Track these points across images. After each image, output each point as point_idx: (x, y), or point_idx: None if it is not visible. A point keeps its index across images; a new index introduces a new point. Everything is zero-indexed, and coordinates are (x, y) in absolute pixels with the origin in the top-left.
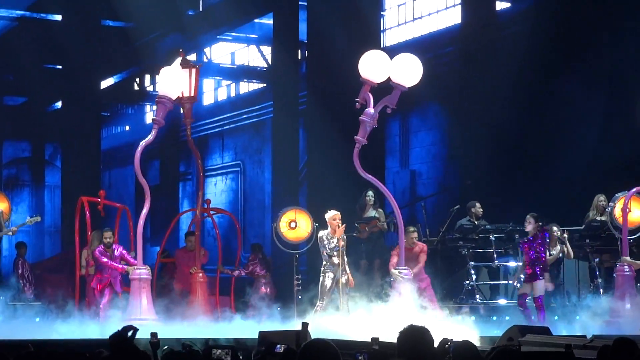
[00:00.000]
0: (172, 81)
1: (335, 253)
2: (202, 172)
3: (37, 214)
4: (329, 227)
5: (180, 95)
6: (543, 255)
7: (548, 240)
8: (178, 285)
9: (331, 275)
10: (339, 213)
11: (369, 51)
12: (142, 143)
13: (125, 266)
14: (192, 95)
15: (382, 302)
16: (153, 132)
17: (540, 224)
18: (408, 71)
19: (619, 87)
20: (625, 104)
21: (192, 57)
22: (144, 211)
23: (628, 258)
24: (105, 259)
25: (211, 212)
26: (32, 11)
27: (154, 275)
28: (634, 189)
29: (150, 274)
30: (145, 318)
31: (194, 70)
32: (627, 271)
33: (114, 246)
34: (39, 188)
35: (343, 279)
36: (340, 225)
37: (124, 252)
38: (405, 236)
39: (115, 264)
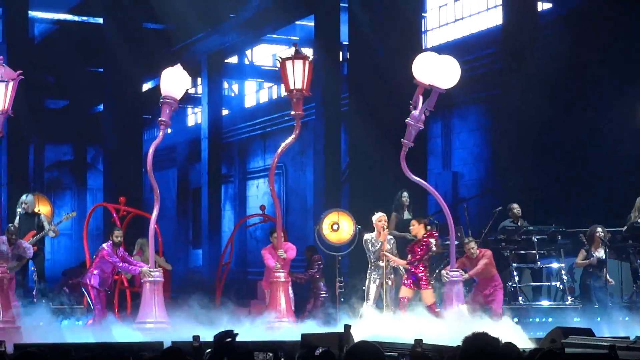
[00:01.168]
0: (175, 81)
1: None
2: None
3: (76, 213)
4: (375, 230)
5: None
6: (422, 261)
7: (434, 248)
8: (266, 286)
9: (376, 277)
10: (384, 215)
11: (422, 53)
12: (153, 144)
13: (137, 267)
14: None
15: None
16: (161, 133)
17: (428, 227)
18: (446, 73)
19: None
20: None
21: (234, 59)
22: (154, 215)
23: None
24: (115, 259)
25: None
26: (74, 14)
27: (222, 280)
28: None
29: (162, 277)
30: (160, 321)
31: None
32: None
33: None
34: (81, 191)
35: (388, 281)
36: (385, 227)
37: (126, 253)
38: (465, 248)
39: (127, 265)
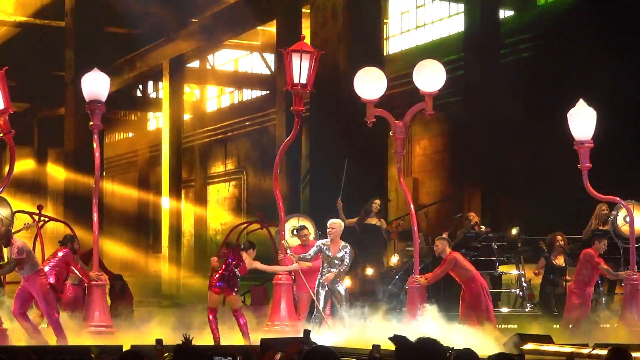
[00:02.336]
0: (97, 84)
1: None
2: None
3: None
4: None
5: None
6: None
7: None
8: (304, 289)
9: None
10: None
11: (361, 70)
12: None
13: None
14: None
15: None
16: (96, 137)
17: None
18: (432, 76)
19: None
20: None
21: (196, 64)
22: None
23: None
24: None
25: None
26: (36, 17)
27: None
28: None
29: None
30: (108, 325)
31: None
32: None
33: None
34: (43, 193)
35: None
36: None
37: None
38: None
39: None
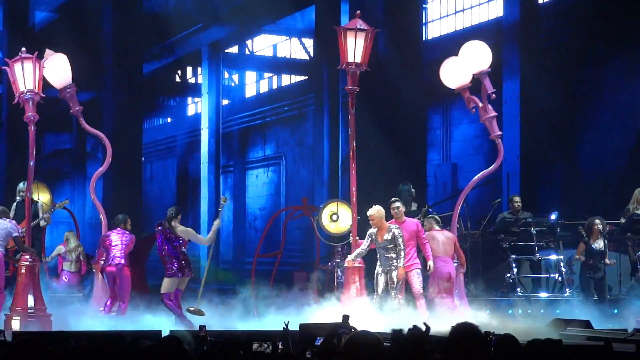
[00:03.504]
0: (58, 69)
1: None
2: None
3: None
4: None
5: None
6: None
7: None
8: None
9: (379, 269)
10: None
11: (446, 60)
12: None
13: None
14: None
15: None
16: (82, 121)
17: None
18: (479, 55)
19: None
20: None
21: (234, 49)
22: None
23: None
24: None
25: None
26: (76, 2)
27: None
28: None
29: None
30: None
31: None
32: None
33: None
34: (80, 180)
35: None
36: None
37: None
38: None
39: None
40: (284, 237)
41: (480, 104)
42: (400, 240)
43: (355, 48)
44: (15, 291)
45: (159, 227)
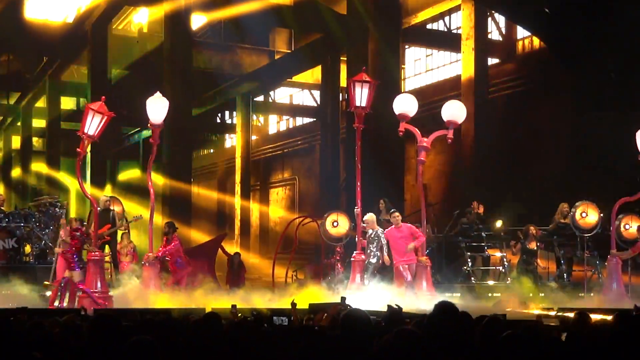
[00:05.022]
0: (157, 107)
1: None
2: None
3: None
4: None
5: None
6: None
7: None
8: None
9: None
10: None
11: (400, 95)
12: (150, 159)
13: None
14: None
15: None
16: (153, 151)
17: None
18: (458, 112)
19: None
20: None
21: (260, 98)
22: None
23: (614, 251)
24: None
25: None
26: (140, 61)
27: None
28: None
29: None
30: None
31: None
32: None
33: None
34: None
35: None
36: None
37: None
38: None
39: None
40: (296, 238)
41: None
42: (382, 237)
43: (361, 95)
44: (86, 278)
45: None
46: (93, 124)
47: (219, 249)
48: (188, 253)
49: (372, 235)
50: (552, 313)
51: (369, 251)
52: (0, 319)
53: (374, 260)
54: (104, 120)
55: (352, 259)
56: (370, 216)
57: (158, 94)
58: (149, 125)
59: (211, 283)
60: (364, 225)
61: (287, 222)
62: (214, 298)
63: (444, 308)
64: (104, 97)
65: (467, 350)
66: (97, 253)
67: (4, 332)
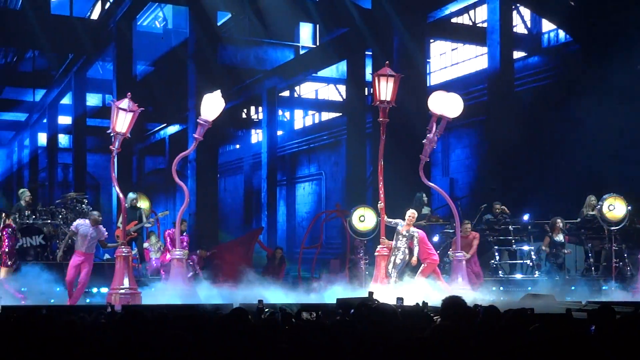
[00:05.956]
0: (212, 105)
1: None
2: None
3: (168, 209)
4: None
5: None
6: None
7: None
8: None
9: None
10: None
11: (435, 91)
12: (180, 155)
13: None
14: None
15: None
16: (193, 146)
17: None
18: (453, 106)
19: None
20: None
21: (286, 93)
22: (182, 207)
23: None
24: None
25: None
26: (167, 58)
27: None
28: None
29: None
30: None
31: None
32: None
33: None
34: (171, 192)
35: (397, 259)
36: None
37: None
38: (462, 227)
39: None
40: (322, 233)
41: (432, 132)
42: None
43: (386, 89)
44: (114, 274)
45: None
46: (124, 121)
47: (258, 244)
48: (224, 247)
49: (405, 233)
50: (581, 306)
51: (398, 248)
52: (33, 317)
53: (404, 258)
54: (133, 116)
55: (376, 253)
56: (413, 212)
57: (218, 93)
58: (197, 120)
59: (247, 276)
60: (403, 221)
61: (315, 217)
62: (245, 293)
63: (452, 302)
64: (129, 93)
65: (484, 341)
66: (124, 249)
67: (37, 329)
